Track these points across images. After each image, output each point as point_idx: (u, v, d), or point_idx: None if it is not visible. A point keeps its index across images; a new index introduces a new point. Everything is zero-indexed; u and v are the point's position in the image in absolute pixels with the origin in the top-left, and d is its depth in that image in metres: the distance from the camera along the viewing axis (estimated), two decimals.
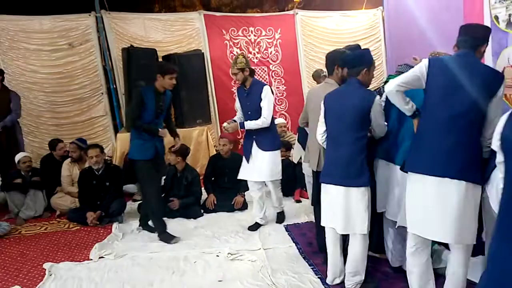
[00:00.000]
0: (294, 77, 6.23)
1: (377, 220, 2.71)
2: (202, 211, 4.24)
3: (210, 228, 3.81)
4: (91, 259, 3.23)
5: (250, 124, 3.50)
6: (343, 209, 2.43)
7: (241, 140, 5.81)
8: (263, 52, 6.01)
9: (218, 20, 5.83)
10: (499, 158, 1.36)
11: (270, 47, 6.11)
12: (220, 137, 4.63)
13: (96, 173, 4.10)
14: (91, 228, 3.93)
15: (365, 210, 2.41)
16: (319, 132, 2.64)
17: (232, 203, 4.24)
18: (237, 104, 3.78)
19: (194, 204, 4.26)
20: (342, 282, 2.62)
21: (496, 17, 3.94)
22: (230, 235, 3.60)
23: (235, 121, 3.66)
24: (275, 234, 3.59)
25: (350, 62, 2.52)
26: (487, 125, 2.04)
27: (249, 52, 5.96)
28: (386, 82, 2.86)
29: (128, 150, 3.84)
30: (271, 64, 6.16)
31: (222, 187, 4.40)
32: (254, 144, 3.59)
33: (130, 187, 4.76)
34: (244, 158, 3.70)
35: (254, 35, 6.01)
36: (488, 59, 4.00)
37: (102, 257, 3.24)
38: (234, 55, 5.86)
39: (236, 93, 3.82)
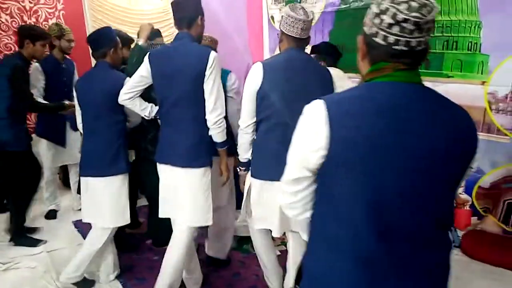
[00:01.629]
0: (81, 55, 5.62)
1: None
2: None
3: None
4: None
5: None
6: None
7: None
8: (42, 23, 5.17)
9: None
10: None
11: (51, 18, 5.31)
12: None
13: None
14: None
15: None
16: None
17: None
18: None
19: None
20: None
21: (272, 17, 4.52)
22: (3, 241, 3.01)
23: None
24: (62, 233, 3.21)
25: (93, 43, 2.34)
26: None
27: (24, 21, 5.02)
28: None
29: None
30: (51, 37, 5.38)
31: None
32: None
33: None
34: None
35: (30, 2, 5.10)
36: (266, 55, 4.55)
37: None
38: (3, 22, 4.86)
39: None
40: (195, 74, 1.99)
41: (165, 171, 2.15)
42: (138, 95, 2.20)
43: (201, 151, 2.08)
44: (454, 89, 2.79)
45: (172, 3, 2.09)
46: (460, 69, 2.88)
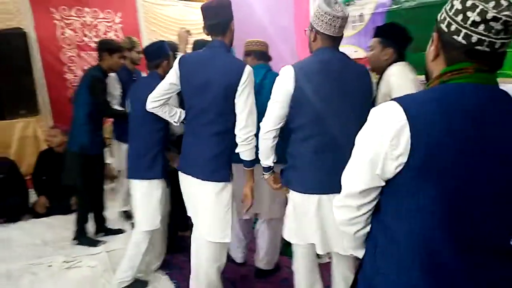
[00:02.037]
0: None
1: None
2: (31, 216, 3.71)
3: (40, 235, 3.34)
4: None
5: None
6: None
7: None
8: (101, 37, 5.51)
9: None
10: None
11: (109, 32, 5.64)
12: (50, 127, 4.08)
13: None
14: None
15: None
16: None
17: (71, 202, 3.80)
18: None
19: (19, 206, 3.70)
20: None
21: None
22: (66, 241, 3.22)
23: None
24: (120, 234, 3.37)
25: (148, 55, 2.43)
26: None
27: (85, 35, 5.38)
28: None
29: None
30: None
31: (56, 187, 3.90)
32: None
33: None
34: None
35: (91, 17, 5.46)
36: None
37: None
38: (67, 37, 5.23)
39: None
40: (227, 87, 1.90)
41: (186, 180, 2.09)
42: (166, 102, 2.16)
43: (220, 166, 1.99)
44: None
45: (203, 8, 1.97)
46: None
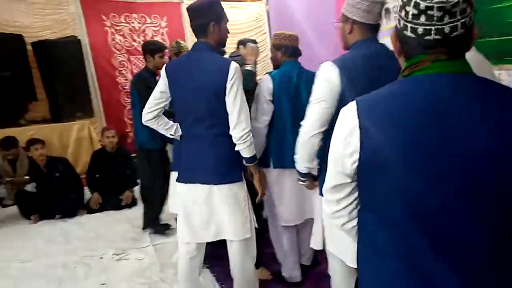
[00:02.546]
0: None
1: None
2: (85, 212, 3.98)
3: (93, 229, 3.56)
4: None
5: None
6: None
7: (130, 134, 5.55)
8: None
9: (96, 4, 5.39)
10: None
11: (156, 36, 5.88)
12: (106, 128, 4.33)
13: None
14: None
15: None
16: None
17: (121, 197, 4.03)
18: None
19: (75, 202, 3.99)
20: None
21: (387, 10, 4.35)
22: (117, 235, 3.41)
23: None
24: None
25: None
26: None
27: (134, 40, 5.65)
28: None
29: None
30: None
31: (108, 183, 4.14)
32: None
33: None
34: None
35: (139, 23, 5.72)
36: None
37: None
38: (117, 42, 5.51)
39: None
40: (215, 88, 1.84)
41: (193, 190, 1.97)
42: (161, 112, 2.07)
43: (231, 166, 1.95)
44: None
45: (187, 10, 1.92)
46: None
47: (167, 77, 1.96)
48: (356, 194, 0.98)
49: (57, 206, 3.89)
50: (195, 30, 1.92)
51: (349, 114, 0.90)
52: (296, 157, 1.78)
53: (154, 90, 2.04)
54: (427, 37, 0.83)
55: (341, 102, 1.55)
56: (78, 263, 2.91)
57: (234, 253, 2.07)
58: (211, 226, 1.99)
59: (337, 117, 1.50)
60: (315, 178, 1.94)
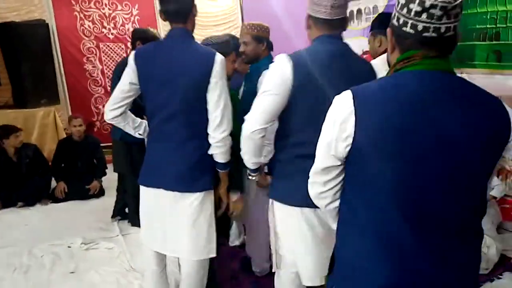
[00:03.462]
0: None
1: None
2: (50, 201, 3.87)
3: (59, 218, 3.49)
4: None
5: None
6: None
7: (97, 123, 5.43)
8: (119, 28, 5.63)
9: None
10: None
11: (127, 23, 5.75)
12: (73, 116, 4.20)
13: None
14: None
15: None
16: None
17: (88, 187, 3.96)
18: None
19: (43, 188, 3.90)
20: None
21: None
22: (84, 224, 3.35)
23: None
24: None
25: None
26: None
27: (104, 27, 5.51)
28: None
29: None
30: (129, 41, 5.82)
31: (75, 173, 4.04)
32: None
33: None
34: None
35: (109, 9, 5.58)
36: None
37: None
38: (86, 28, 5.36)
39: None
40: (196, 81, 1.64)
41: (153, 196, 1.77)
42: (128, 108, 1.83)
43: (203, 172, 1.73)
44: None
45: None
46: None
47: (136, 67, 1.71)
48: (342, 176, 1.06)
49: (21, 193, 3.78)
50: (172, 15, 1.68)
51: (345, 101, 0.97)
52: (241, 152, 1.62)
53: (121, 82, 1.78)
54: (425, 34, 0.91)
55: (292, 98, 1.45)
56: (45, 252, 2.85)
57: (189, 273, 1.85)
58: (169, 240, 1.79)
59: (286, 114, 1.46)
60: (267, 173, 1.80)
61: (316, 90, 1.41)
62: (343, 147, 0.98)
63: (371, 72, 1.55)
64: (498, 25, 2.77)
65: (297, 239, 1.57)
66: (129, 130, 1.91)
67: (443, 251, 0.93)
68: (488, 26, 2.83)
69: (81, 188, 3.96)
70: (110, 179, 3.82)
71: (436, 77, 0.94)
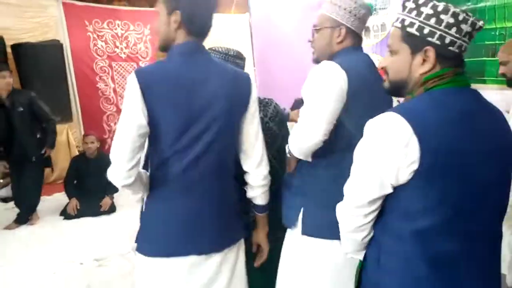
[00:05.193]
0: None
1: None
2: (62, 217, 3.90)
3: (72, 235, 3.50)
4: None
5: None
6: None
7: (109, 140, 5.49)
8: (131, 48, 5.75)
9: (79, 9, 5.36)
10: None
11: (139, 43, 5.88)
12: (86, 134, 4.28)
13: None
14: None
15: None
16: None
17: (100, 204, 3.98)
18: None
19: (32, 150, 3.71)
20: None
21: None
22: (96, 241, 3.36)
23: None
24: None
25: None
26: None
27: (116, 46, 5.64)
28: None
29: None
30: (141, 60, 5.93)
31: (87, 189, 4.08)
32: None
33: None
34: None
35: (121, 29, 5.72)
36: None
37: None
38: (99, 48, 5.48)
39: None
40: (233, 109, 1.29)
41: (175, 267, 1.29)
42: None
43: (237, 219, 1.42)
44: None
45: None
46: None
47: (144, 93, 1.19)
48: (379, 205, 1.00)
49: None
50: (199, 28, 1.31)
51: (400, 125, 0.89)
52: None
53: (124, 126, 1.21)
54: (451, 48, 0.93)
55: (344, 113, 1.31)
56: (57, 269, 2.86)
57: None
58: None
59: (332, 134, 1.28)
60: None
61: (368, 99, 1.32)
62: (407, 174, 0.90)
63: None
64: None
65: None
66: (141, 190, 1.33)
67: (486, 263, 0.96)
68: (497, 42, 2.85)
69: (93, 205, 3.99)
70: (122, 195, 3.84)
71: (471, 94, 0.97)
